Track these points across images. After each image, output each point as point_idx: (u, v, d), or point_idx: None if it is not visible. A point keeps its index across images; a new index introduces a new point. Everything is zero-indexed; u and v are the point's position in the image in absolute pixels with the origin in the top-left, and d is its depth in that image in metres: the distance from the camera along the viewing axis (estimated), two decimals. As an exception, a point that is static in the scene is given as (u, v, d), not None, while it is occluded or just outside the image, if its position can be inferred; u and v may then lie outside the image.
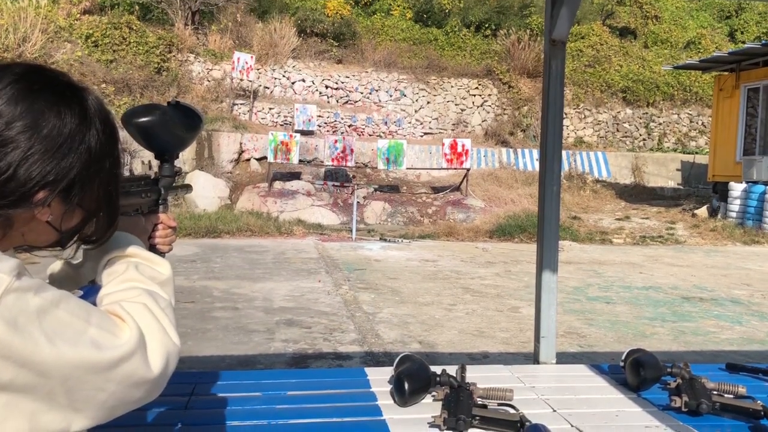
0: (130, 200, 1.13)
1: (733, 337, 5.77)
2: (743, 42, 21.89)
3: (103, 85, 16.34)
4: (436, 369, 1.73)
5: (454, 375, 1.76)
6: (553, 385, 1.80)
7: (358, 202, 14.58)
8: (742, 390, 1.66)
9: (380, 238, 12.46)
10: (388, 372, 1.79)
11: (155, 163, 1.28)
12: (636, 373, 1.73)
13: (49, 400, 0.79)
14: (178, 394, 1.66)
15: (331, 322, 5.89)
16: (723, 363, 1.97)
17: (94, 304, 0.92)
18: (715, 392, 1.64)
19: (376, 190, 16.08)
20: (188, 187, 1.47)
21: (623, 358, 1.83)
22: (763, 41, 15.64)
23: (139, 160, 15.24)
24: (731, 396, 1.64)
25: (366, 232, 13.34)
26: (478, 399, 1.60)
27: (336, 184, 15.93)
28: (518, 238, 12.77)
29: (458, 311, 6.55)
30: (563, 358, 5.07)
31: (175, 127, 1.22)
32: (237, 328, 5.61)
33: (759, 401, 1.53)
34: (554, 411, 1.59)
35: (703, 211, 15.68)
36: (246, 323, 5.77)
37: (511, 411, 1.53)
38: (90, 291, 0.99)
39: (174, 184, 1.29)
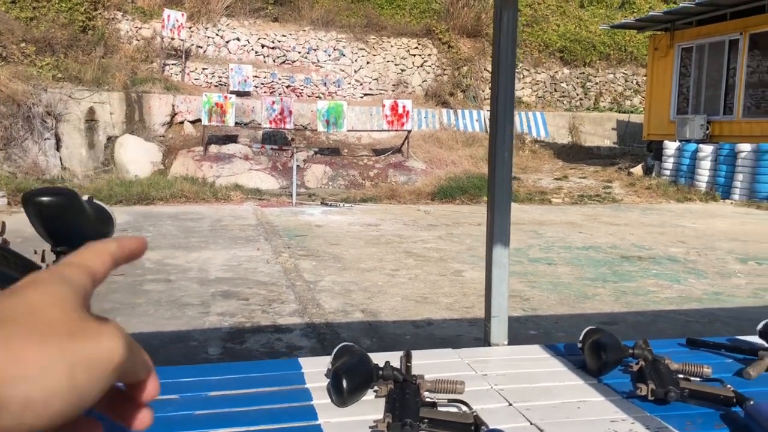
0: None
1: (672, 296, 5.83)
2: (674, 2, 22.23)
3: (23, 45, 15.34)
4: (379, 360, 1.55)
5: (399, 364, 1.58)
6: (507, 371, 1.64)
7: (298, 165, 14.23)
8: (707, 370, 1.54)
9: (321, 203, 12.20)
10: (325, 363, 1.60)
11: None
12: (596, 357, 1.59)
13: None
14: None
15: (270, 292, 5.66)
16: (683, 338, 1.86)
17: None
18: (680, 374, 1.52)
19: (316, 152, 15.75)
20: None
21: (581, 339, 1.69)
22: (696, 1, 15.85)
23: (68, 124, 14.43)
24: (698, 379, 1.52)
25: (306, 196, 13.06)
26: (426, 394, 1.43)
27: (274, 147, 15.50)
28: (459, 199, 12.73)
29: (401, 277, 6.41)
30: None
31: (86, 218, 0.99)
32: (170, 301, 5.33)
33: (729, 386, 1.41)
34: (510, 405, 1.44)
35: (638, 170, 16.00)
36: (179, 296, 5.49)
37: (464, 408, 1.36)
38: None
39: None
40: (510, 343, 2.09)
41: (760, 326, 1.79)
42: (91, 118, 14.89)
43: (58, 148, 14.34)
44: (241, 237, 8.47)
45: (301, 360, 1.68)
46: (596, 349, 1.61)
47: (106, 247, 0.46)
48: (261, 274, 6.34)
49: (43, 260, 0.99)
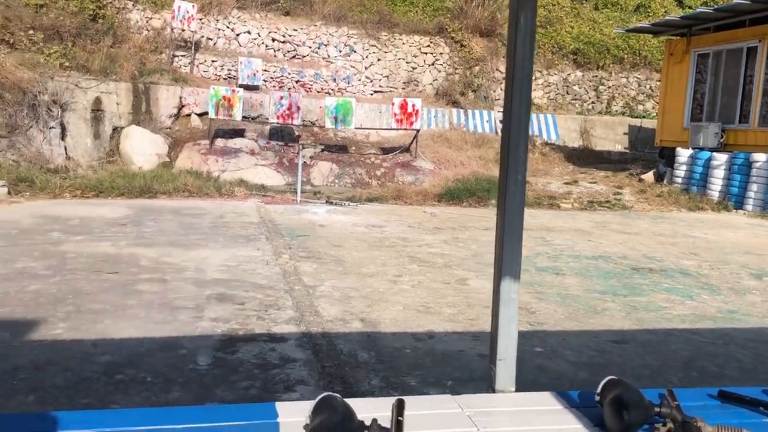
0: None
1: (685, 312, 5.60)
2: (690, 7, 21.89)
3: (31, 32, 15.19)
4: (367, 408, 1.34)
5: (390, 417, 1.38)
6: (514, 428, 1.43)
7: (304, 162, 14.05)
8: (745, 437, 1.34)
9: (326, 201, 12.00)
10: (304, 410, 1.40)
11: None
12: (618, 416, 1.39)
13: None
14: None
15: (267, 297, 5.46)
16: (714, 388, 1.65)
17: None
18: (714, 441, 1.31)
19: (323, 149, 15.54)
20: None
21: (599, 390, 1.48)
22: (714, 6, 15.53)
23: (74, 113, 14.27)
24: (734, 448, 1.31)
25: (312, 194, 12.86)
26: (419, 458, 1.23)
27: (281, 143, 15.31)
28: (467, 202, 12.51)
29: (404, 283, 6.20)
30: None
31: None
32: (162, 304, 5.14)
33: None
34: (516, 475, 1.24)
35: (649, 176, 15.72)
36: (173, 298, 5.30)
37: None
38: None
39: None
40: (516, 381, 1.88)
41: (802, 380, 1.58)
42: (97, 108, 14.72)
43: (63, 137, 14.18)
44: (242, 235, 8.27)
45: (278, 405, 1.47)
46: (618, 407, 1.40)
47: None
48: (259, 277, 6.14)
49: None
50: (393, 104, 15.45)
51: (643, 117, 20.78)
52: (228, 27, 18.50)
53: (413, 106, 15.33)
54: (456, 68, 19.84)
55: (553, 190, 14.10)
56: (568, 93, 21.03)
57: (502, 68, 20.21)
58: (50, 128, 14.04)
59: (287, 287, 5.82)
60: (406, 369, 3.99)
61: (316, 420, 1.27)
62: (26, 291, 5.32)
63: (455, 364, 4.11)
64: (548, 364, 4.19)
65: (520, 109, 1.54)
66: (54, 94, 14.18)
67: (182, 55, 17.47)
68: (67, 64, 14.90)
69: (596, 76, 21.31)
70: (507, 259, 1.62)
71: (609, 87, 21.46)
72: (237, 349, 4.18)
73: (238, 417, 1.42)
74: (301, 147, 14.75)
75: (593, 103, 21.26)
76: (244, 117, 15.09)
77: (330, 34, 18.97)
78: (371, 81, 19.07)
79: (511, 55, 1.54)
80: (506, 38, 1.69)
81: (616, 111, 21.27)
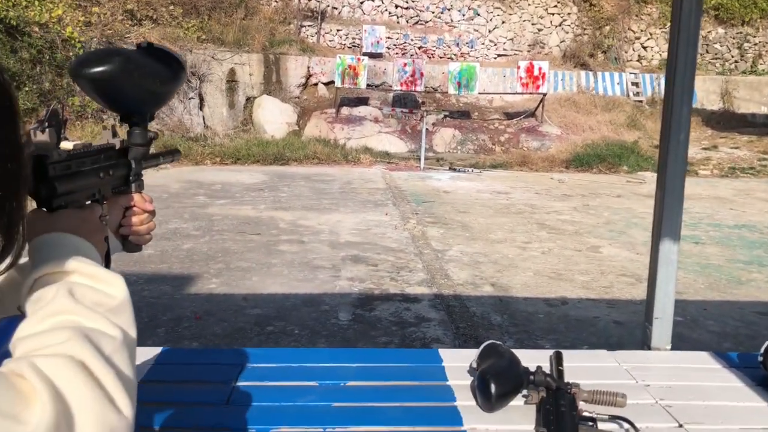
0: (78, 182, 0.79)
1: (843, 287, 5.21)
2: None
3: (171, 7, 16.14)
4: (524, 359, 1.42)
5: (549, 366, 1.46)
6: (672, 383, 1.46)
7: (426, 129, 14.11)
8: None
9: (449, 168, 12.05)
10: (466, 357, 1.50)
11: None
12: (784, 376, 1.38)
13: None
14: (220, 381, 1.41)
15: (399, 259, 5.64)
16: None
17: (6, 354, 0.59)
18: None
19: (446, 116, 15.53)
20: (174, 153, 1.10)
21: (762, 351, 1.48)
22: None
23: (211, 84, 15.13)
24: None
25: (435, 160, 12.94)
26: (582, 405, 1.29)
27: (404, 110, 15.45)
28: (597, 168, 12.12)
29: (533, 250, 6.18)
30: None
31: (144, 78, 0.89)
32: (302, 263, 5.45)
33: None
34: (680, 426, 1.27)
35: (801, 141, 14.48)
36: (311, 258, 5.60)
37: (626, 427, 1.22)
38: (9, 328, 0.64)
39: (151, 153, 0.98)
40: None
41: None
42: (231, 79, 15.50)
43: (201, 107, 15.07)
44: (370, 201, 8.52)
45: (441, 352, 1.59)
46: (784, 368, 1.39)
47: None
48: (389, 240, 6.34)
49: (114, 135, 0.92)
50: (518, 68, 15.13)
51: (795, 76, 19.04)
52: (352, -5, 18.76)
53: (540, 69, 14.94)
54: (585, 28, 19.04)
55: (690, 156, 13.23)
56: (707, 52, 19.62)
57: (635, 27, 19.18)
58: (190, 99, 14.97)
59: (417, 251, 5.97)
60: (540, 333, 4.02)
61: (484, 364, 1.36)
62: (181, 249, 5.81)
63: (590, 330, 4.10)
64: (689, 333, 4.07)
65: (684, 70, 1.53)
66: (192, 66, 15.06)
67: (309, 25, 17.94)
68: (203, 37, 15.74)
69: (740, 32, 19.70)
70: (667, 220, 1.63)
71: (755, 44, 19.79)
72: (374, 307, 4.39)
73: (406, 360, 1.55)
74: (424, 114, 14.83)
75: (736, 62, 19.72)
76: (368, 85, 15.34)
77: (453, -2, 18.77)
78: (495, 44, 18.72)
79: (677, 15, 1.52)
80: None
81: (764, 70, 19.62)
